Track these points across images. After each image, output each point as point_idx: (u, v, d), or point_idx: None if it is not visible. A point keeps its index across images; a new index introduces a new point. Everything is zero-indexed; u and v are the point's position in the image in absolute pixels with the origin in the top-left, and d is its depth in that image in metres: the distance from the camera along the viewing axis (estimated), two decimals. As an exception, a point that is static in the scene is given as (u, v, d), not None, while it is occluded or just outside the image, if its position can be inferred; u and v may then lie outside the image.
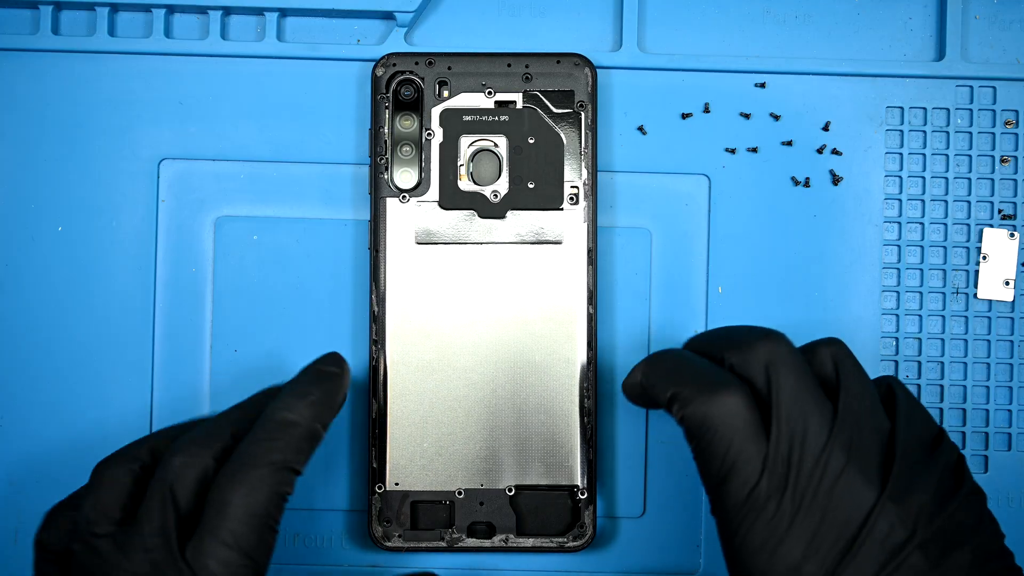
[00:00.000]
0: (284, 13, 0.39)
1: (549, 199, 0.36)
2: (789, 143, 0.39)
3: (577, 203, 0.36)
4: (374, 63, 0.38)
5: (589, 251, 0.36)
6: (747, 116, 0.39)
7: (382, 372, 0.36)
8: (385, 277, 0.37)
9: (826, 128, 0.39)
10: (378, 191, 0.37)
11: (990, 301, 0.39)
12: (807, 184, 0.39)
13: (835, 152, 0.39)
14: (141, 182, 0.39)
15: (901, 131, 0.40)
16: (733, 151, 0.39)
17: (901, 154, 0.39)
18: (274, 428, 0.31)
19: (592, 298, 0.36)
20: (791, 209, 0.39)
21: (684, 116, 0.39)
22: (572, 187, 0.36)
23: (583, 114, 0.36)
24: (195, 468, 0.30)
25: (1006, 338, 0.39)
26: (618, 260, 0.39)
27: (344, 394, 0.33)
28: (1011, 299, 0.39)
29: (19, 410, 0.38)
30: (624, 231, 0.39)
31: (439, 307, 0.37)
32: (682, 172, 0.39)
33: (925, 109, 0.40)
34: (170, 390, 0.38)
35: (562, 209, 0.36)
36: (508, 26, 0.39)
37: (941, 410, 0.39)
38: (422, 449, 0.36)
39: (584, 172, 0.36)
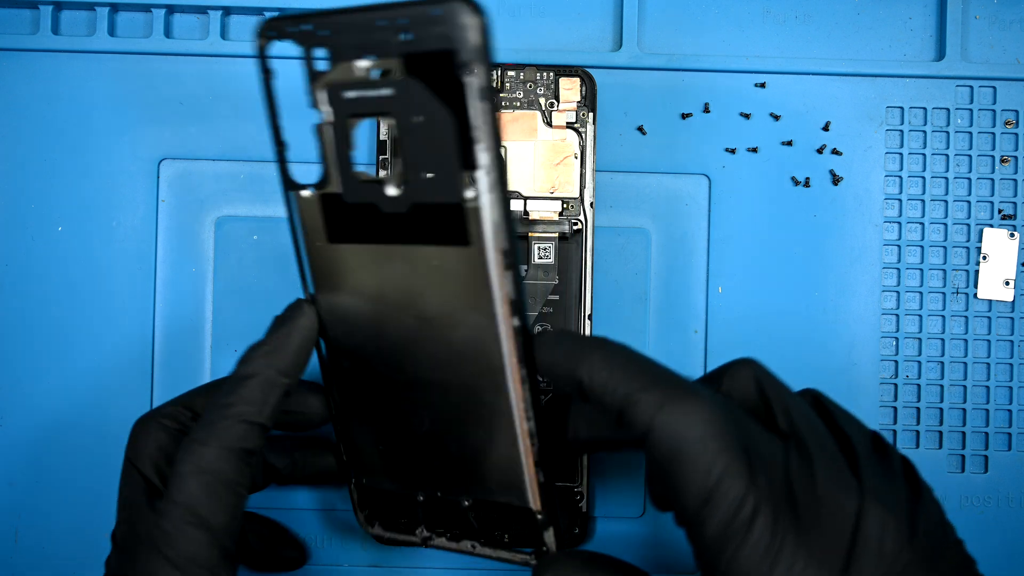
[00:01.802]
0: (284, 13, 0.39)
1: (446, 191, 0.28)
2: (789, 143, 0.39)
3: (477, 196, 0.27)
4: (256, 33, 0.31)
5: (505, 253, 0.28)
6: (747, 116, 0.39)
7: (331, 370, 0.34)
8: (307, 277, 0.32)
9: (826, 128, 0.39)
10: (286, 184, 0.31)
11: (990, 301, 0.39)
12: (807, 184, 0.39)
13: (835, 152, 0.39)
14: (141, 182, 0.39)
15: (901, 131, 0.40)
16: (733, 151, 0.39)
17: (901, 154, 0.39)
18: (230, 384, 0.30)
19: (517, 309, 0.28)
20: (791, 209, 0.39)
21: (684, 116, 0.39)
22: (471, 176, 0.27)
23: (472, 79, 0.26)
24: (158, 438, 0.30)
25: (1006, 338, 0.39)
26: (618, 260, 0.39)
27: (304, 338, 0.31)
28: (1011, 299, 0.39)
29: (19, 410, 0.38)
30: (624, 231, 0.39)
31: (361, 312, 0.31)
32: (682, 172, 0.39)
33: (925, 109, 0.40)
34: (170, 390, 0.38)
35: (465, 203, 0.28)
36: (508, 26, 0.39)
37: (941, 410, 0.39)
38: (378, 451, 0.34)
39: (485, 157, 0.27)
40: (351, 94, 0.29)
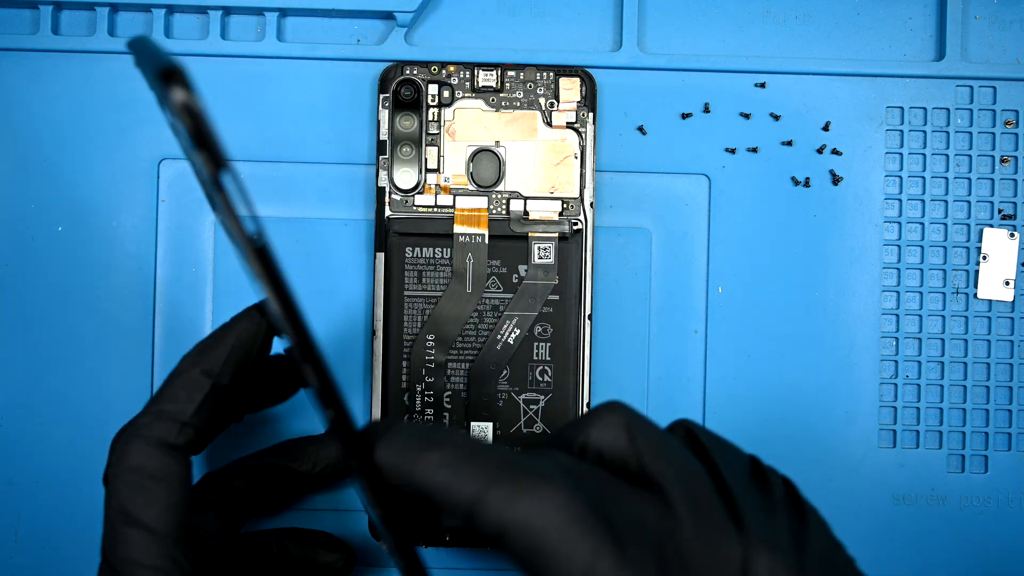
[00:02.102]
0: (284, 13, 0.39)
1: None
2: (789, 143, 0.39)
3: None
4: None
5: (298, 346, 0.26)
6: (747, 116, 0.39)
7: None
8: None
9: (826, 128, 0.39)
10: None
11: (990, 301, 0.39)
12: (807, 184, 0.39)
13: (835, 152, 0.39)
14: (141, 182, 0.39)
15: (901, 131, 0.40)
16: (733, 151, 0.39)
17: (901, 154, 0.39)
18: (164, 383, 0.30)
19: (328, 401, 0.26)
20: (791, 209, 0.39)
21: (684, 116, 0.39)
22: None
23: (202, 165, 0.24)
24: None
25: (1006, 338, 0.39)
26: (618, 260, 0.39)
27: (240, 341, 0.31)
28: (1011, 299, 0.39)
29: (19, 410, 0.38)
30: (624, 231, 0.39)
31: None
32: (682, 172, 0.39)
33: (925, 109, 0.40)
34: (170, 390, 0.38)
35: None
36: (508, 26, 0.39)
37: (941, 410, 0.39)
38: None
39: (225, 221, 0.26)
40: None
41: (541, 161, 0.38)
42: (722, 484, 0.26)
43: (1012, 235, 0.39)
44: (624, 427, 0.27)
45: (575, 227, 0.38)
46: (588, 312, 0.38)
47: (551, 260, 0.38)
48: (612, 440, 0.27)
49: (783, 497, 0.27)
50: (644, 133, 0.39)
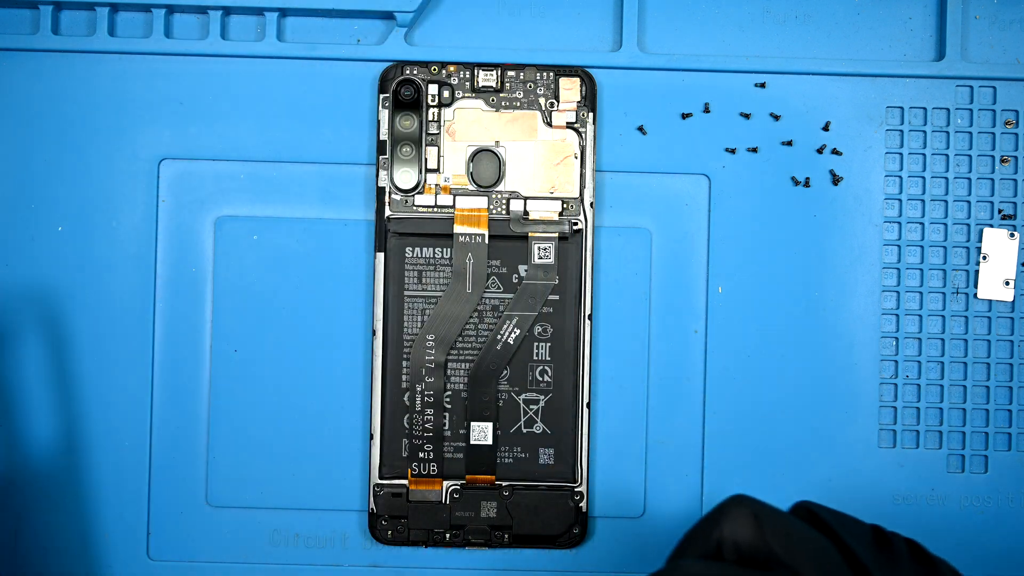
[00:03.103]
0: (284, 13, 0.39)
1: None
2: (789, 143, 0.39)
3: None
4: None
5: None
6: (747, 116, 0.39)
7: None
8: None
9: (826, 128, 0.39)
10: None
11: (990, 301, 0.39)
12: (807, 184, 0.39)
13: (835, 152, 0.39)
14: (141, 182, 0.39)
15: (901, 131, 0.40)
16: (733, 151, 0.39)
17: (901, 154, 0.39)
18: None
19: None
20: (791, 209, 0.39)
21: (684, 116, 0.39)
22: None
23: None
24: None
25: (1006, 338, 0.39)
26: (618, 260, 0.39)
27: None
28: (1011, 299, 0.39)
29: (19, 410, 0.38)
30: (624, 231, 0.39)
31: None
32: (682, 172, 0.39)
33: (925, 109, 0.40)
34: (170, 390, 0.38)
35: None
36: (508, 26, 0.39)
37: (941, 410, 0.39)
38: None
39: None
40: None
41: (541, 161, 0.38)
42: (849, 554, 0.28)
43: (1012, 235, 0.39)
44: (752, 518, 0.29)
45: (575, 227, 0.38)
46: (588, 312, 0.38)
47: (551, 260, 0.38)
48: (744, 533, 0.29)
49: (908, 557, 0.29)
50: (644, 133, 0.39)
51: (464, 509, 0.38)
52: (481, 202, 0.38)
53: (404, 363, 0.38)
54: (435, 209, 0.38)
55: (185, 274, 0.39)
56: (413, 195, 0.38)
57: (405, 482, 0.38)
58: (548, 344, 0.38)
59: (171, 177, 0.39)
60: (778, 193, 0.39)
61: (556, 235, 0.38)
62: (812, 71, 0.39)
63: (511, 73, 0.38)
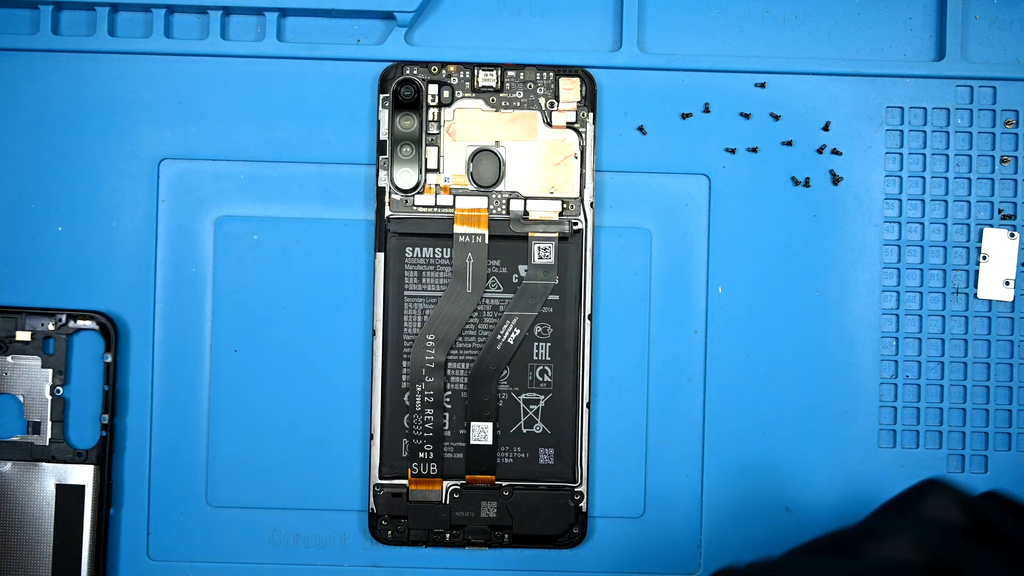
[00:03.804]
0: (284, 13, 0.39)
1: None
2: (789, 143, 0.39)
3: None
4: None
5: None
6: (747, 116, 0.39)
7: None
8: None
9: (826, 128, 0.39)
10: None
11: (990, 301, 0.39)
12: (807, 184, 0.39)
13: (835, 152, 0.39)
14: (141, 182, 0.39)
15: (901, 131, 0.40)
16: (733, 151, 0.39)
17: (901, 154, 0.39)
18: None
19: None
20: (791, 209, 0.39)
21: (684, 116, 0.39)
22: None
23: None
24: None
25: (1006, 338, 0.39)
26: (618, 260, 0.39)
27: None
28: (1011, 299, 0.39)
29: (18, 410, 0.38)
30: (624, 231, 0.39)
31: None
32: (682, 172, 0.39)
33: (925, 109, 0.40)
34: (170, 390, 0.38)
35: None
36: (508, 26, 0.39)
37: (941, 410, 0.39)
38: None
39: None
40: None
41: (541, 161, 0.38)
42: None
43: (1012, 235, 0.39)
44: (954, 499, 0.29)
45: (575, 227, 0.38)
46: (588, 312, 0.38)
47: (551, 260, 0.38)
48: (945, 511, 0.29)
49: None
50: (644, 133, 0.39)
51: (464, 509, 0.38)
52: (481, 202, 0.38)
53: (404, 363, 0.38)
54: (435, 209, 0.38)
55: (185, 274, 0.39)
56: (413, 195, 0.38)
57: (405, 482, 0.38)
58: (548, 344, 0.38)
59: (171, 177, 0.39)
60: (778, 193, 0.39)
61: (556, 235, 0.38)
62: (812, 71, 0.39)
63: (511, 73, 0.38)
